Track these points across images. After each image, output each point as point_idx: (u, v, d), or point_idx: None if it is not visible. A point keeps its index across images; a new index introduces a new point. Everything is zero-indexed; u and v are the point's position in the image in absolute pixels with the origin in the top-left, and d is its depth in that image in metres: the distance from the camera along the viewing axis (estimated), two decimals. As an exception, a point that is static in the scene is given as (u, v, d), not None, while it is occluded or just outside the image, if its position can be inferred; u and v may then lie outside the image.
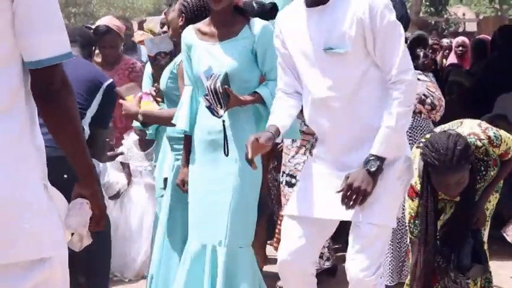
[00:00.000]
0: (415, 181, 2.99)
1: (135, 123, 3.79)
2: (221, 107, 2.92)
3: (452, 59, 7.73)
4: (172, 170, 3.38)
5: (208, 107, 2.95)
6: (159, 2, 29.82)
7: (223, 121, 2.99)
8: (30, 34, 1.65)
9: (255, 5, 3.65)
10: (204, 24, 3.12)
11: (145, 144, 4.31)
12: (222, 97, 2.90)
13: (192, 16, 3.23)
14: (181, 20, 3.27)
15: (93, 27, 4.96)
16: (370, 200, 2.53)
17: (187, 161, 3.19)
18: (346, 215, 2.59)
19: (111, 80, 3.57)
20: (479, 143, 3.00)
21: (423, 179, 2.95)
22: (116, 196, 4.39)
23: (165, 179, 3.46)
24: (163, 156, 3.55)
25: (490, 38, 6.54)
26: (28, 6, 1.65)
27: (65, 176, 3.03)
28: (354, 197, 2.52)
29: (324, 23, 2.58)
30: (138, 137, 4.27)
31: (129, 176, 4.43)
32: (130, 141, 4.36)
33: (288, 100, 2.76)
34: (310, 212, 2.66)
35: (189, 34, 3.14)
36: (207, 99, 2.93)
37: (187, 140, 3.21)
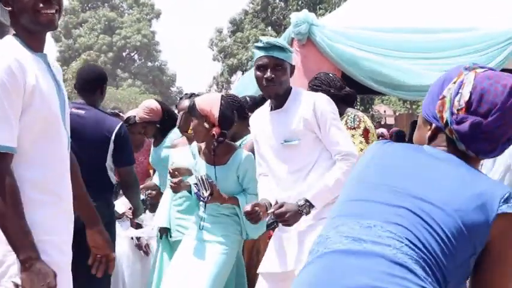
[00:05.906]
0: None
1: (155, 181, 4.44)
2: (206, 191, 3.40)
3: (376, 144, 9.61)
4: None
5: (196, 193, 3.44)
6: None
7: (205, 203, 3.49)
8: None
9: (248, 99, 4.41)
10: (204, 146, 3.57)
11: (154, 207, 4.56)
12: (208, 184, 3.39)
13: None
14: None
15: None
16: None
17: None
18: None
19: (119, 126, 3.59)
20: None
21: None
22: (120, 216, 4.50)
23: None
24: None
25: (406, 130, 8.30)
26: None
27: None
28: (279, 220, 2.83)
29: (281, 122, 2.95)
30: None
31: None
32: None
33: (269, 180, 3.12)
34: (271, 267, 3.00)
35: (194, 148, 3.66)
36: (196, 185, 3.44)
37: None
